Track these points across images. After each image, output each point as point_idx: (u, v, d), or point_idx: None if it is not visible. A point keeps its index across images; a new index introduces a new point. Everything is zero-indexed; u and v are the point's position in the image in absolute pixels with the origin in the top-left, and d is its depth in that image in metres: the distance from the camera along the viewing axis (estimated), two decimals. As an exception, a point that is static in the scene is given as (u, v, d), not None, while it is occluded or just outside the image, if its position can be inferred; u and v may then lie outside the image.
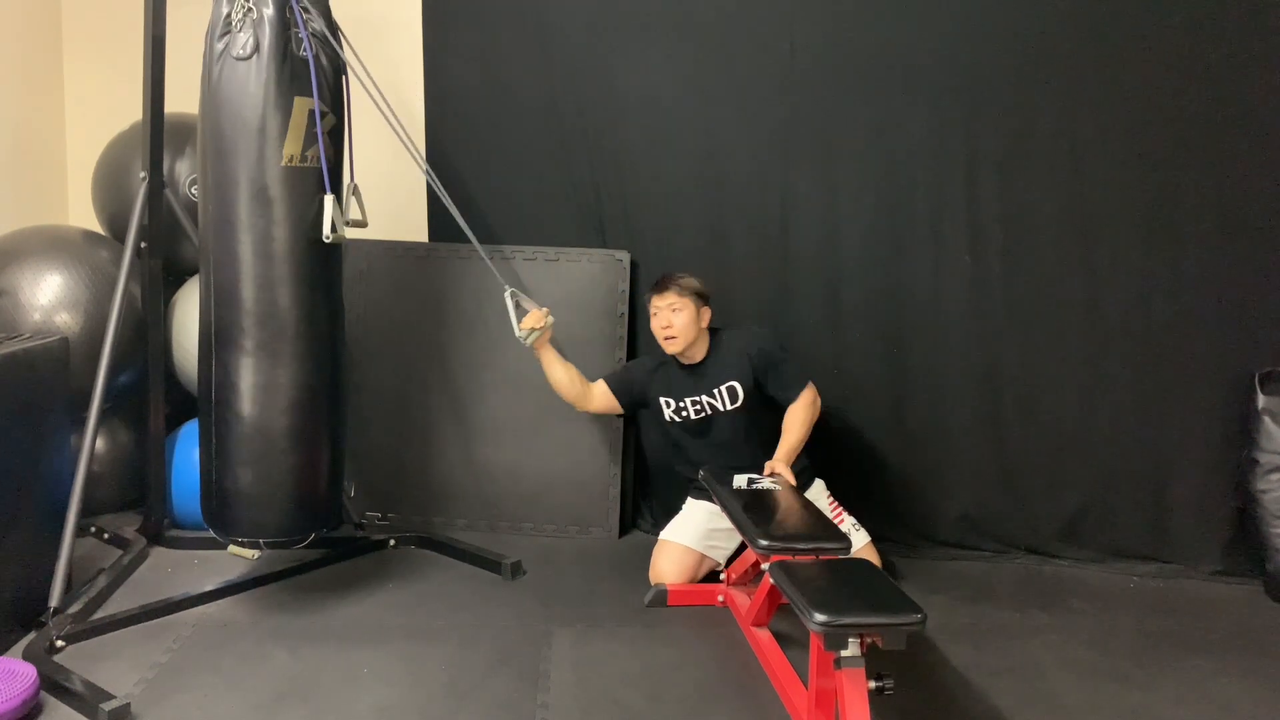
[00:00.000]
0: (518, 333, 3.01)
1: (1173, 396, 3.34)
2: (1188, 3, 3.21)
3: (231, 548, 3.21)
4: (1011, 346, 3.40)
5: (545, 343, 3.09)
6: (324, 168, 2.65)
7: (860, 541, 3.05)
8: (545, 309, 3.05)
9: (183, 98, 3.22)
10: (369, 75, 2.79)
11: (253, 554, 3.20)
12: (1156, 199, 3.29)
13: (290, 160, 2.61)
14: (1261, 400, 3.21)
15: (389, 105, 2.80)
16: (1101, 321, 3.35)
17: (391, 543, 3.35)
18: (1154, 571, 3.33)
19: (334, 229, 2.65)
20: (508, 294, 3.02)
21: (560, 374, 3.14)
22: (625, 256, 3.55)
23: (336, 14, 2.81)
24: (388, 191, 3.52)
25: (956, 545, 3.43)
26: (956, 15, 3.30)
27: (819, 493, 3.11)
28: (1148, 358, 3.34)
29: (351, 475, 2.96)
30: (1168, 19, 3.22)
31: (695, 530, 3.08)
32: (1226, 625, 2.96)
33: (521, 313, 3.03)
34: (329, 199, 2.65)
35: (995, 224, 3.37)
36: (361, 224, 2.89)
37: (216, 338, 2.69)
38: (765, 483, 2.82)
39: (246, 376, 2.66)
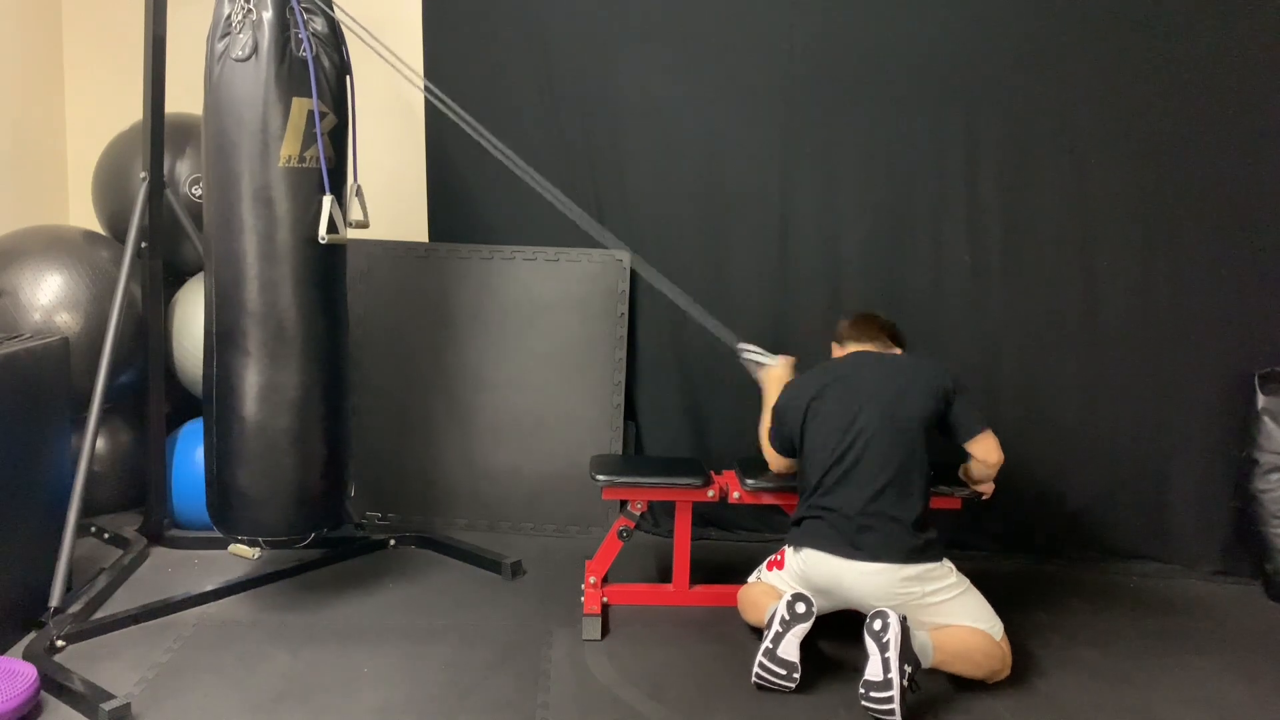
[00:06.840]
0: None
1: (1173, 396, 3.35)
2: (1188, 3, 3.21)
3: (231, 547, 3.22)
4: (1011, 346, 3.40)
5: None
6: (323, 168, 2.65)
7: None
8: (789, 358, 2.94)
9: (184, 98, 3.22)
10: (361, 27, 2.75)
11: (253, 553, 3.20)
12: (1156, 200, 3.30)
13: (288, 161, 2.61)
14: (1261, 400, 3.22)
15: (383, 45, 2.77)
16: (1101, 321, 3.36)
17: (391, 543, 3.35)
18: (1154, 571, 3.34)
19: (330, 229, 2.64)
20: (745, 356, 2.98)
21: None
22: (625, 256, 3.55)
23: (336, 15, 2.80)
24: (388, 192, 3.52)
25: (956, 545, 3.42)
26: (956, 15, 3.31)
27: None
28: (1148, 358, 3.34)
29: (351, 475, 2.96)
30: (1168, 19, 3.22)
31: None
32: (1226, 625, 2.97)
33: (755, 366, 2.96)
34: (327, 199, 2.65)
35: (995, 224, 3.37)
36: (363, 224, 2.88)
37: (219, 337, 2.69)
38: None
39: (248, 376, 2.66)
